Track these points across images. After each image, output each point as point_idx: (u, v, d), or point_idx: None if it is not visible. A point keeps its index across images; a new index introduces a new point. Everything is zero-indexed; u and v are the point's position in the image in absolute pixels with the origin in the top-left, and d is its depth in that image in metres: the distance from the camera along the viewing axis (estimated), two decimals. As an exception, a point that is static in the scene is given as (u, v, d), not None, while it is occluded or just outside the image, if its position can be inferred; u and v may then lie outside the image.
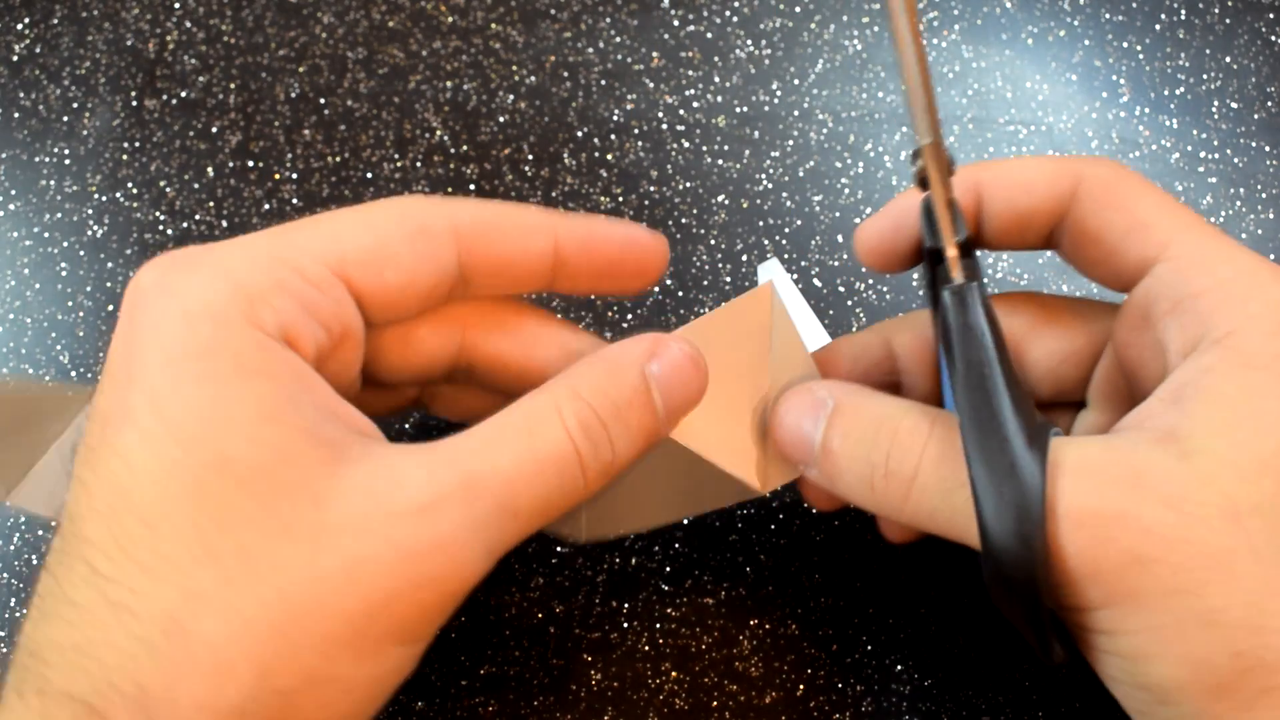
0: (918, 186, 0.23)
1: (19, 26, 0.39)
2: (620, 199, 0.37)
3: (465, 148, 0.38)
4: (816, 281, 0.36)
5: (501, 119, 0.38)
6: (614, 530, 0.28)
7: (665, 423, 0.24)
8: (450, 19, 0.39)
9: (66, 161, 0.38)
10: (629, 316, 0.35)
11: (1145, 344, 0.24)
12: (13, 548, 0.33)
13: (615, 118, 0.38)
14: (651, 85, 0.39)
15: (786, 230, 0.37)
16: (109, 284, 0.36)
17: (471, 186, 0.37)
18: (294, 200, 0.37)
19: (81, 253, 0.36)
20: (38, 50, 0.39)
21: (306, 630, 0.19)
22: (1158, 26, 0.40)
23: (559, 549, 0.32)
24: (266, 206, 0.37)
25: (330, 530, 0.19)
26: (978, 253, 0.25)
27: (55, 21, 0.39)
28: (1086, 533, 0.20)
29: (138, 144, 0.38)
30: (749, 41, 0.39)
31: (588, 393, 0.23)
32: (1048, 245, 0.26)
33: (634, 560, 0.32)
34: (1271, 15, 0.40)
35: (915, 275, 0.36)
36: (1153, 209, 0.24)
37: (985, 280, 0.25)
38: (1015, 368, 0.23)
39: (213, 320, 0.20)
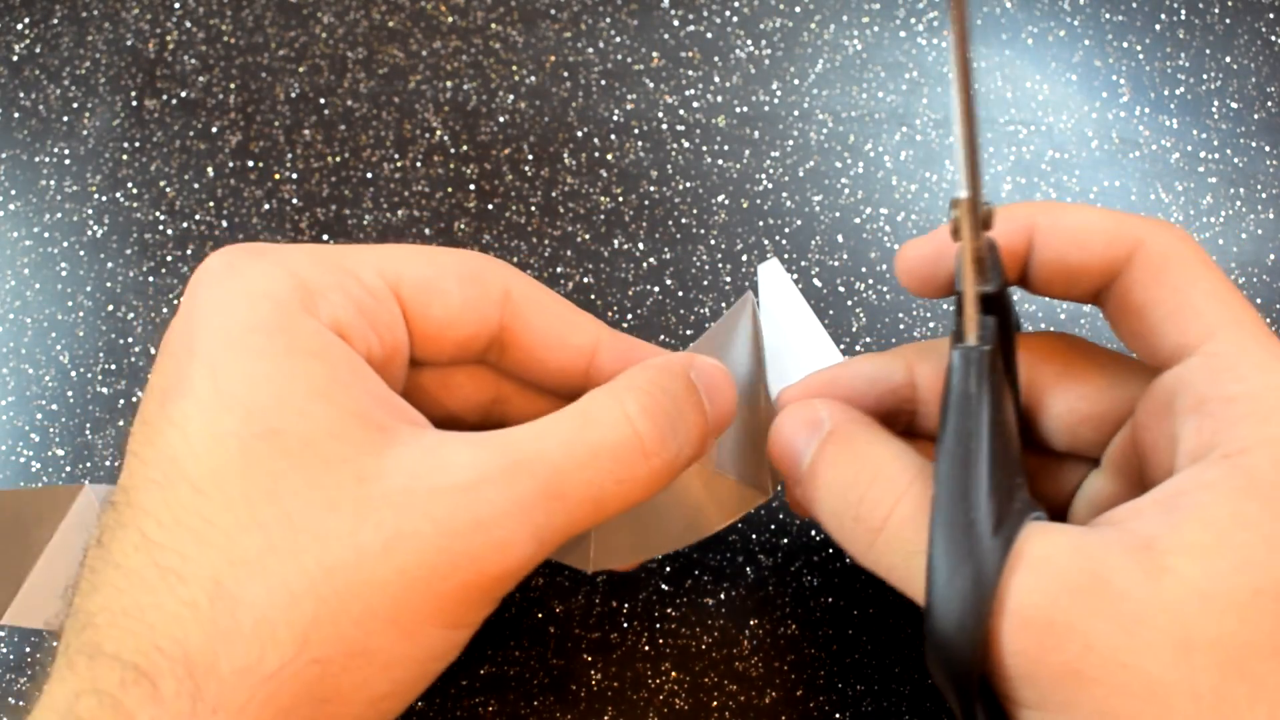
0: (952, 235, 0.23)
1: (19, 26, 0.39)
2: (620, 199, 0.37)
3: (465, 148, 0.38)
4: (816, 281, 0.36)
5: (501, 119, 0.38)
6: (622, 561, 0.28)
7: (713, 429, 0.24)
8: (450, 19, 0.39)
9: (66, 161, 0.38)
10: (629, 317, 0.35)
11: (1162, 432, 0.23)
12: (13, 548, 0.33)
13: (615, 118, 0.38)
14: (651, 85, 0.39)
15: (786, 230, 0.37)
16: (109, 284, 0.36)
17: (471, 186, 0.37)
18: (294, 200, 0.37)
19: (81, 253, 0.36)
20: (38, 50, 0.39)
21: (347, 602, 0.19)
22: (1158, 26, 0.40)
23: (559, 549, 0.32)
24: (266, 206, 0.37)
25: (372, 505, 0.20)
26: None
27: (55, 21, 0.39)
28: (1030, 636, 0.20)
29: (138, 144, 0.38)
30: (749, 41, 0.39)
31: (647, 385, 0.23)
32: (1094, 301, 0.25)
33: (634, 560, 0.32)
34: (1271, 15, 0.40)
35: (915, 275, 0.36)
36: (1204, 296, 0.23)
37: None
38: (1013, 439, 0.22)
39: (272, 303, 0.21)
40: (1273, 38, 0.39)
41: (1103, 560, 0.20)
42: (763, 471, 0.27)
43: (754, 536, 0.33)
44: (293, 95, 0.38)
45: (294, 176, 0.37)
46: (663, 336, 0.35)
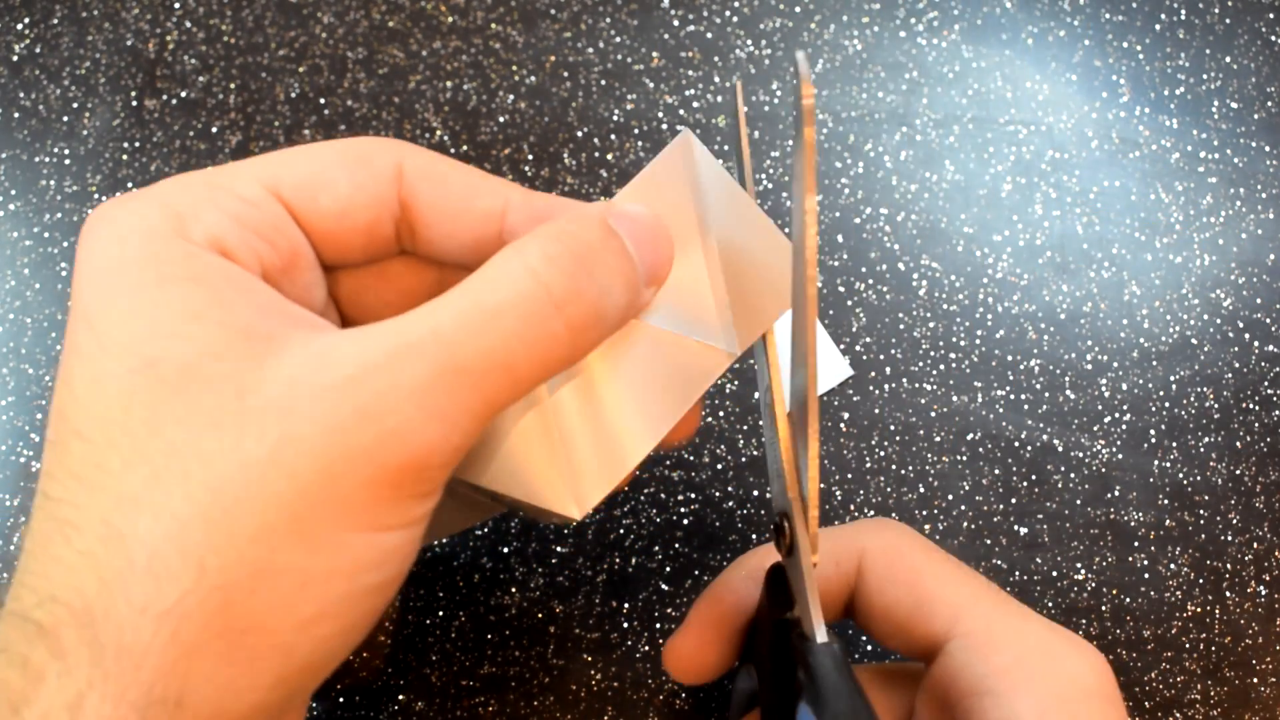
0: (783, 555, 0.24)
1: (19, 26, 0.39)
2: (620, 199, 0.37)
3: (465, 148, 0.38)
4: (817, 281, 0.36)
5: (501, 119, 0.38)
6: (622, 467, 0.24)
7: (648, 278, 0.23)
8: (450, 19, 0.39)
9: (66, 161, 0.38)
10: (629, 316, 0.35)
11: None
12: (12, 548, 0.33)
13: (615, 118, 0.38)
14: (651, 85, 0.39)
15: (786, 230, 0.37)
16: (109, 284, 0.36)
17: (471, 186, 0.37)
18: (294, 200, 0.37)
19: (81, 253, 0.36)
20: (38, 50, 0.39)
21: (240, 520, 0.18)
22: (1158, 26, 0.40)
23: (559, 549, 0.32)
24: (266, 206, 0.37)
25: (254, 417, 0.18)
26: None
27: (55, 21, 0.39)
28: None
29: (138, 144, 0.38)
30: (749, 41, 0.39)
31: (554, 233, 0.21)
32: (845, 616, 0.27)
33: (634, 560, 0.32)
34: (1271, 15, 0.40)
35: (916, 275, 0.36)
36: (936, 582, 0.24)
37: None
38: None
39: (141, 236, 0.20)
40: (1273, 38, 0.39)
41: None
42: (725, 327, 0.24)
43: (754, 537, 0.33)
44: (293, 95, 0.38)
45: (294, 176, 0.37)
46: (663, 336, 0.35)
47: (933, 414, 0.35)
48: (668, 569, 0.32)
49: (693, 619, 0.27)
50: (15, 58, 0.39)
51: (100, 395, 0.19)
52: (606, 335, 0.22)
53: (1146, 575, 0.34)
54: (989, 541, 0.34)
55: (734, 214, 0.25)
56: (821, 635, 0.23)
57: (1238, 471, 0.35)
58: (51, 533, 0.19)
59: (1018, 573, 0.34)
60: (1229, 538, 0.34)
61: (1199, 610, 0.34)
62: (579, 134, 0.38)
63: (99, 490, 0.19)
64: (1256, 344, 0.36)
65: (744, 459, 0.34)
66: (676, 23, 0.39)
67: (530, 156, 0.38)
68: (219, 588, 0.18)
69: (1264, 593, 0.34)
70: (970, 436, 0.35)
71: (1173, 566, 0.34)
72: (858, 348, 0.35)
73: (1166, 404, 0.35)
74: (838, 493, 0.34)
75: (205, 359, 0.19)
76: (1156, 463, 0.35)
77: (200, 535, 0.18)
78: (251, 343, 0.19)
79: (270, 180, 0.22)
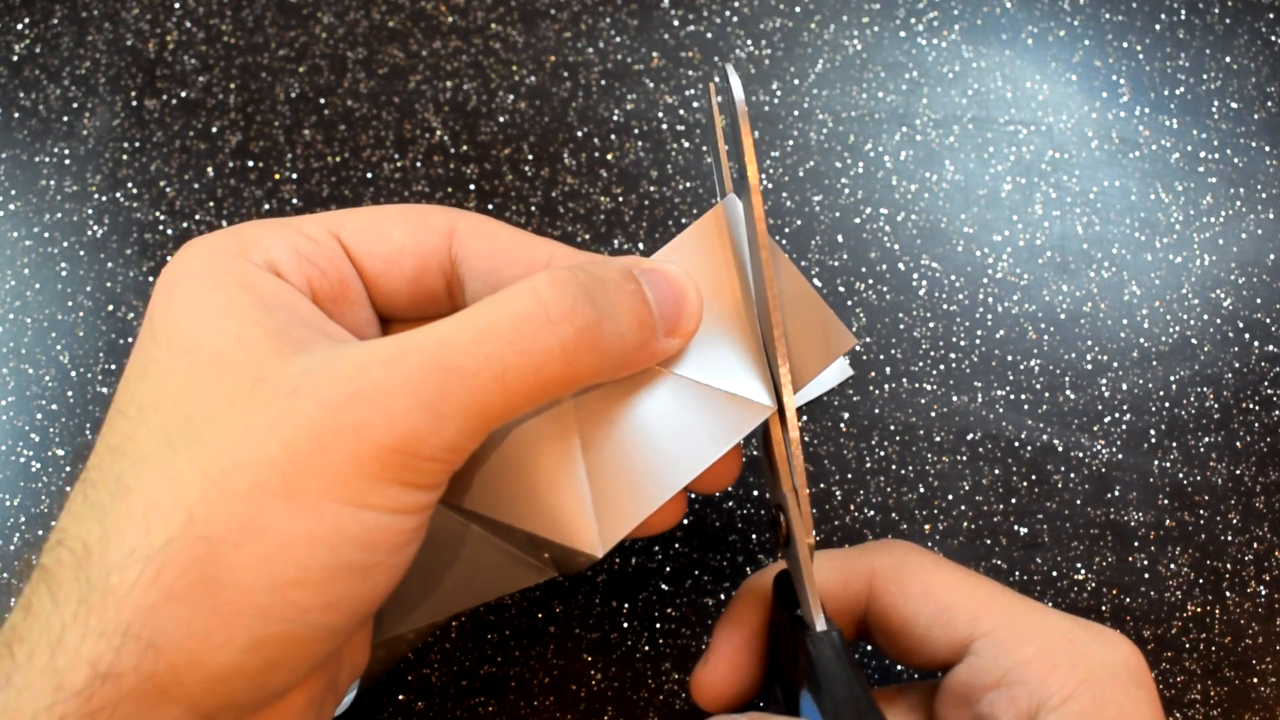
0: (781, 548, 0.25)
1: (19, 26, 0.39)
2: (620, 199, 0.37)
3: (465, 148, 0.38)
4: (817, 281, 0.36)
5: (501, 119, 0.38)
6: (645, 508, 0.24)
7: (665, 327, 0.24)
8: (450, 19, 0.39)
9: (66, 161, 0.38)
10: (629, 316, 0.35)
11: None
12: (12, 548, 0.33)
13: (615, 118, 0.38)
14: (651, 85, 0.39)
15: (786, 230, 0.37)
16: (109, 284, 0.36)
17: (471, 186, 0.37)
18: (294, 200, 0.37)
19: (81, 253, 0.36)
20: (38, 50, 0.39)
21: (232, 477, 0.20)
22: (1158, 26, 0.40)
23: (559, 549, 0.32)
24: (266, 206, 0.37)
25: (264, 396, 0.20)
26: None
27: (55, 21, 0.39)
28: None
29: (138, 144, 0.38)
30: (749, 41, 0.39)
31: (567, 267, 0.23)
32: (856, 636, 0.27)
33: (634, 560, 0.32)
34: (1271, 15, 0.40)
35: (916, 275, 0.36)
36: (952, 590, 0.25)
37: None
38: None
39: (208, 255, 0.23)
40: (1273, 38, 0.39)
41: None
42: (763, 381, 0.25)
43: (754, 537, 0.33)
44: (293, 95, 0.38)
45: (294, 176, 0.37)
46: (663, 336, 0.35)
47: (933, 414, 0.35)
48: (668, 569, 0.32)
49: (717, 645, 0.27)
50: (15, 58, 0.39)
51: (144, 378, 0.21)
52: (609, 366, 0.23)
53: (1146, 575, 0.34)
54: (989, 541, 0.34)
55: (775, 273, 0.25)
56: (820, 624, 0.23)
57: (1238, 471, 0.35)
58: (76, 494, 0.21)
59: (1018, 573, 0.34)
60: (1229, 538, 0.34)
61: (1199, 610, 0.34)
62: (579, 134, 0.38)
63: (121, 455, 0.21)
64: (1256, 344, 0.36)
65: (744, 459, 0.34)
66: (676, 23, 0.39)
67: (530, 156, 0.38)
68: (204, 537, 0.19)
69: (1264, 593, 0.34)
70: (970, 436, 0.35)
71: (1173, 566, 0.34)
72: (858, 348, 0.35)
73: (1166, 404, 0.35)
74: (838, 493, 0.34)
75: (237, 349, 0.21)
76: (1156, 463, 0.35)
77: (196, 489, 0.20)
78: (282, 341, 0.21)
79: (334, 225, 0.25)
